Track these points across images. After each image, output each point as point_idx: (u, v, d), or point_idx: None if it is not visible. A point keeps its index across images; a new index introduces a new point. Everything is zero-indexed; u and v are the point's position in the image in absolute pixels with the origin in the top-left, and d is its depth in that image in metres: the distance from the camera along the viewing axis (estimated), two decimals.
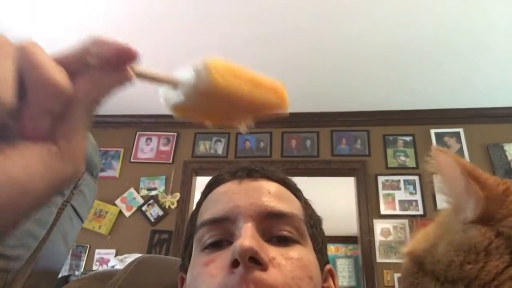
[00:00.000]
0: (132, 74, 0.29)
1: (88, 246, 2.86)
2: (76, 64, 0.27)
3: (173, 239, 2.83)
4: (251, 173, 0.56)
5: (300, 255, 0.48)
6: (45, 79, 0.23)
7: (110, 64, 0.27)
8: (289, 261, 0.47)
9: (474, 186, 0.31)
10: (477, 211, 0.31)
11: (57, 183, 0.25)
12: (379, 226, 2.71)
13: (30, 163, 0.23)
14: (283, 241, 0.49)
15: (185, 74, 0.32)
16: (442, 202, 0.35)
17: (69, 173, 0.25)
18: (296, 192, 0.58)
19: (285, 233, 0.49)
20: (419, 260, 0.33)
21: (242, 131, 0.41)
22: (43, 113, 0.24)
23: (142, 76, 0.30)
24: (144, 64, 0.30)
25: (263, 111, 0.37)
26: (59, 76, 0.24)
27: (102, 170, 3.03)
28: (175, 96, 0.32)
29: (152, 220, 2.92)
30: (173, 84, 0.32)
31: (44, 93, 0.24)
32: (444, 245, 0.31)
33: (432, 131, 2.95)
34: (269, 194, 0.52)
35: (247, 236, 0.45)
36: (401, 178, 2.84)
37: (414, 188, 2.79)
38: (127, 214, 2.96)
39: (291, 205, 0.53)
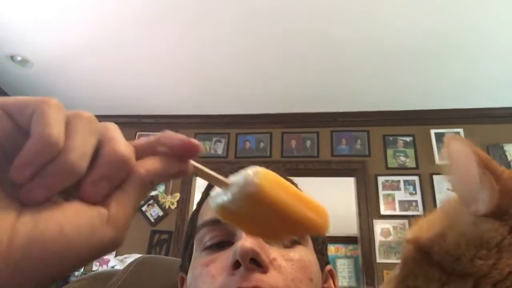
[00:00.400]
0: (191, 167, 0.31)
1: None
2: (147, 148, 0.31)
3: (173, 239, 2.83)
4: None
5: (301, 256, 0.48)
6: (114, 149, 0.27)
7: (174, 154, 0.31)
8: (290, 262, 0.47)
9: (489, 177, 0.29)
10: (490, 204, 0.29)
11: (99, 247, 0.26)
12: (379, 226, 2.71)
13: (81, 222, 0.25)
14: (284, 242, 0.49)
15: (236, 178, 0.33)
16: (447, 192, 0.35)
17: (112, 238, 0.26)
18: None
19: None
20: (424, 249, 0.32)
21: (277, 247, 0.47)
22: (104, 179, 0.26)
23: (197, 170, 0.33)
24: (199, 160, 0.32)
25: (302, 228, 0.38)
26: (126, 149, 0.27)
27: None
28: (224, 197, 0.34)
29: (152, 220, 2.92)
30: (223, 184, 0.34)
31: (110, 161, 0.27)
32: (454, 236, 0.31)
33: (432, 131, 2.95)
34: None
35: (248, 237, 0.45)
36: (401, 178, 2.84)
37: (414, 189, 2.79)
38: None
39: None
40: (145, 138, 0.32)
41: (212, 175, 0.33)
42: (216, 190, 0.35)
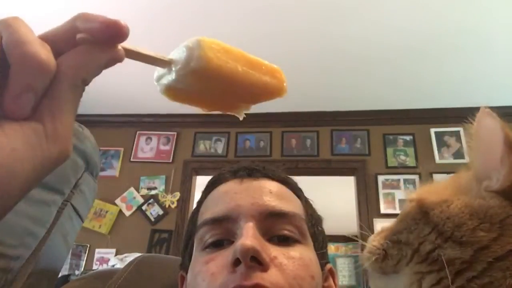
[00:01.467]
0: (122, 52, 0.27)
1: (88, 245, 2.86)
2: (64, 41, 0.26)
3: (173, 238, 2.83)
4: (252, 173, 0.56)
5: (302, 254, 0.48)
6: (28, 55, 0.23)
7: (98, 40, 0.26)
8: (291, 260, 0.47)
9: (511, 157, 0.30)
10: (504, 183, 0.30)
11: (45, 164, 0.24)
12: (379, 225, 2.71)
13: (16, 145, 0.22)
14: (285, 241, 0.49)
15: (177, 53, 0.30)
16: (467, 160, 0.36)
17: (56, 153, 0.24)
18: (297, 191, 0.58)
19: (286, 232, 0.49)
20: (425, 209, 0.33)
21: (240, 117, 0.40)
22: (26, 90, 0.23)
23: (132, 54, 0.29)
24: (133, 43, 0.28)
25: (260, 94, 0.35)
26: (43, 52, 0.23)
27: (102, 169, 3.03)
28: (168, 77, 0.30)
29: (152, 219, 2.92)
30: (165, 63, 0.30)
31: (27, 69, 0.23)
32: (459, 205, 0.31)
33: (432, 130, 2.95)
34: (270, 193, 0.52)
35: (248, 236, 0.45)
36: (401, 177, 2.84)
37: (414, 187, 2.79)
38: (127, 213, 2.96)
39: (292, 205, 0.53)
40: (58, 26, 0.27)
41: (150, 55, 0.30)
42: (159, 70, 0.31)
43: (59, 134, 0.24)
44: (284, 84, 0.36)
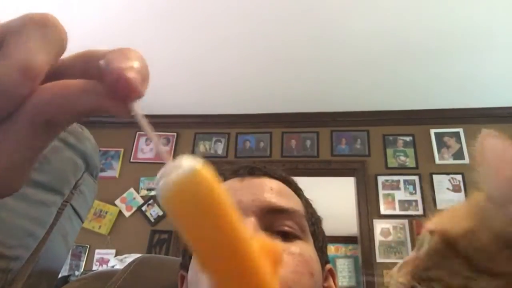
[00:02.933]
0: (129, 112, 0.21)
1: (88, 246, 2.86)
2: (79, 66, 0.22)
3: (173, 239, 2.83)
4: (253, 171, 0.56)
5: (302, 250, 0.48)
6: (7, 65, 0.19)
7: (109, 88, 0.21)
8: (291, 256, 0.47)
9: None
10: None
11: None
12: (379, 226, 2.71)
13: None
14: (285, 236, 0.49)
15: (172, 165, 0.22)
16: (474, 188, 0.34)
17: None
18: (297, 190, 0.58)
19: (286, 228, 0.49)
20: (452, 242, 0.32)
21: None
22: None
23: (137, 120, 0.22)
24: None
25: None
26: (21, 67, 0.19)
27: (102, 170, 3.03)
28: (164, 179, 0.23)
29: (152, 220, 2.92)
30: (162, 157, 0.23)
31: None
32: (488, 234, 0.30)
33: (432, 131, 2.95)
34: (271, 190, 0.52)
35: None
36: (401, 178, 2.84)
37: (414, 188, 2.79)
38: (127, 214, 2.96)
39: (292, 201, 0.53)
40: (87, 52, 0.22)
41: (150, 135, 0.22)
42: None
43: (2, 168, 0.20)
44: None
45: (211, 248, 0.21)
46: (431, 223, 0.36)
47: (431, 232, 0.34)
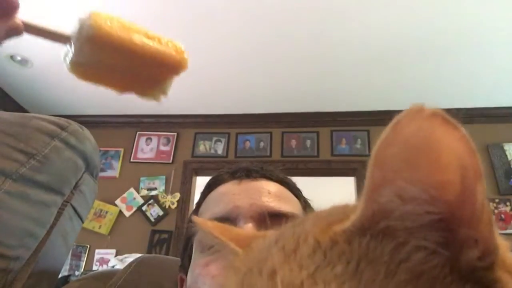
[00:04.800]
0: (20, 24, 0.27)
1: (88, 246, 2.86)
2: None
3: (173, 239, 2.83)
4: (251, 173, 0.56)
5: None
6: None
7: None
8: None
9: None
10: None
11: None
12: None
13: None
14: None
15: (73, 28, 0.30)
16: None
17: None
18: (295, 191, 0.58)
19: None
20: None
21: (157, 100, 0.39)
22: None
23: (32, 29, 0.28)
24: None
25: (162, 65, 0.33)
26: None
27: (102, 170, 3.03)
28: (70, 54, 0.30)
29: (152, 220, 2.92)
30: (62, 38, 0.30)
31: None
32: None
33: None
34: (269, 194, 0.52)
35: None
36: None
37: None
38: (127, 214, 2.96)
39: (291, 205, 0.53)
40: None
41: (47, 30, 0.30)
42: (65, 50, 0.31)
43: None
44: (184, 56, 0.34)
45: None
46: None
47: None
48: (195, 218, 0.34)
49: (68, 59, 0.30)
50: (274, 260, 0.20)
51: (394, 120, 0.19)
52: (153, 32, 0.32)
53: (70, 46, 0.30)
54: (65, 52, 0.31)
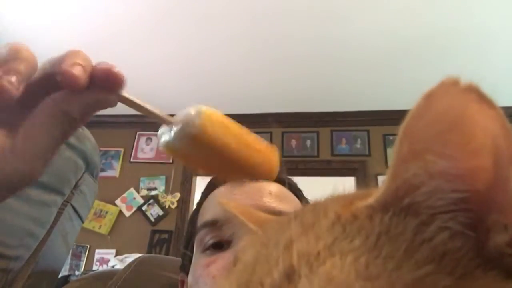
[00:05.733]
0: (113, 98, 0.30)
1: (88, 246, 2.86)
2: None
3: (173, 239, 2.83)
4: None
5: None
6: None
7: (96, 83, 0.28)
8: None
9: None
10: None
11: (8, 180, 0.24)
12: None
13: None
14: None
15: (179, 116, 0.32)
16: None
17: (21, 171, 0.25)
18: (296, 191, 0.58)
19: None
20: None
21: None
22: (12, 71, 0.24)
23: (131, 104, 0.31)
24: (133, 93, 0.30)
25: (249, 171, 0.35)
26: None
27: (102, 170, 3.03)
28: (167, 135, 0.32)
29: (152, 220, 2.92)
30: (165, 121, 0.32)
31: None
32: None
33: None
34: (270, 194, 0.52)
35: None
36: None
37: None
38: (127, 214, 2.96)
39: (292, 206, 0.53)
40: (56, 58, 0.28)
41: (150, 110, 0.32)
42: (163, 128, 0.34)
43: (28, 153, 0.25)
44: (275, 168, 0.37)
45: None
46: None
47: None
48: (220, 200, 0.37)
49: (162, 139, 0.33)
50: (291, 232, 0.20)
51: (427, 92, 0.18)
52: (250, 136, 0.35)
53: (169, 129, 0.32)
54: (163, 130, 0.33)
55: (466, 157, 0.17)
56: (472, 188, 0.17)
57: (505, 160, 0.16)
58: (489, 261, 0.17)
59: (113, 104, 0.30)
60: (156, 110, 0.32)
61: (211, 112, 0.32)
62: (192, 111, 0.32)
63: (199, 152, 0.32)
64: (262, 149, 0.36)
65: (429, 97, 0.18)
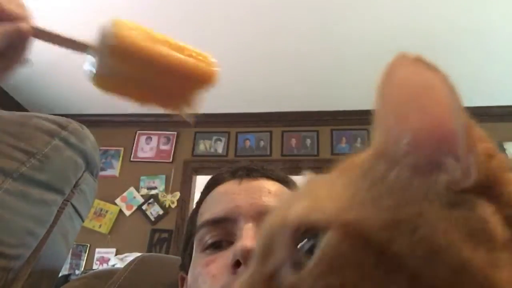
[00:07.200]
0: (24, 27, 0.28)
1: (88, 245, 2.86)
2: None
3: (173, 238, 2.83)
4: (251, 173, 0.56)
5: None
6: None
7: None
8: None
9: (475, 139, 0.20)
10: (479, 172, 0.19)
11: None
12: None
13: None
14: None
15: (96, 37, 0.29)
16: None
17: None
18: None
19: None
20: (376, 245, 0.18)
21: (187, 118, 0.38)
22: None
23: (45, 35, 0.28)
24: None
25: (188, 80, 0.31)
26: None
27: (102, 169, 3.03)
28: (92, 64, 0.29)
29: (152, 219, 2.92)
30: (82, 46, 0.29)
31: None
32: (431, 220, 0.19)
33: None
34: (269, 193, 0.52)
35: (248, 237, 0.45)
36: None
37: None
38: (127, 213, 2.96)
39: None
40: None
41: (66, 38, 0.29)
42: (88, 60, 0.30)
43: None
44: (213, 68, 0.33)
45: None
46: (294, 211, 0.22)
47: (293, 226, 0.21)
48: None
49: (90, 73, 0.30)
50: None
51: (388, 67, 0.23)
52: (180, 42, 0.31)
53: (92, 56, 0.29)
54: (87, 63, 0.30)
55: (424, 112, 0.21)
56: (430, 137, 0.21)
57: (456, 112, 0.20)
58: (438, 196, 0.20)
59: (28, 34, 0.30)
60: (70, 37, 0.29)
61: (124, 20, 0.29)
62: (104, 24, 0.29)
63: (128, 68, 0.29)
64: (193, 53, 0.32)
65: (390, 68, 0.23)
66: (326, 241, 0.19)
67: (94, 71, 0.29)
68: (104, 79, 0.29)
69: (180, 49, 0.31)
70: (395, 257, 0.18)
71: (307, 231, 0.21)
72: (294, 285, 0.20)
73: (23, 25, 0.30)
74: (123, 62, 0.28)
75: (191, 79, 0.32)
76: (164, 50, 0.30)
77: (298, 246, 0.21)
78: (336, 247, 0.19)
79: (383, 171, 0.22)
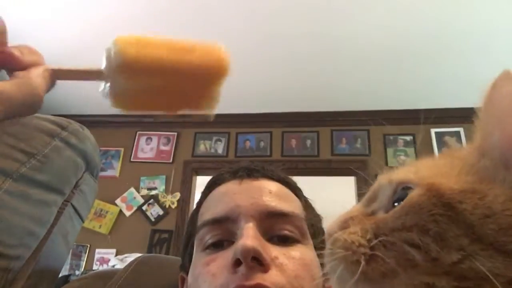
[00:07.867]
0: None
1: (88, 245, 2.86)
2: None
3: (173, 238, 2.83)
4: (252, 173, 0.56)
5: (302, 254, 0.48)
6: None
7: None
8: (291, 260, 0.47)
9: None
10: None
11: None
12: None
13: None
14: (285, 241, 0.49)
15: (103, 61, 0.30)
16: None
17: None
18: (296, 191, 0.58)
19: (286, 232, 0.49)
20: (446, 201, 0.24)
21: (211, 110, 0.38)
22: None
23: (62, 74, 0.29)
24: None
25: (201, 76, 0.32)
26: None
27: (103, 169, 3.03)
28: (106, 87, 0.30)
29: (152, 219, 2.92)
30: (97, 74, 0.30)
31: None
32: (500, 199, 0.23)
33: (433, 131, 2.95)
34: (270, 193, 0.52)
35: (249, 236, 0.45)
36: None
37: None
38: (127, 213, 2.96)
39: (292, 205, 0.53)
40: None
41: (78, 71, 0.30)
42: (102, 86, 0.31)
43: None
44: (222, 56, 0.34)
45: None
46: (398, 174, 0.29)
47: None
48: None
49: (107, 94, 0.30)
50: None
51: (492, 83, 0.30)
52: (177, 40, 0.32)
53: (106, 80, 0.29)
54: (102, 88, 0.30)
55: None
56: None
57: None
58: (509, 184, 0.24)
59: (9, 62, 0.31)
60: (85, 68, 0.30)
61: (124, 36, 0.30)
62: (107, 46, 0.30)
63: (139, 82, 0.29)
64: (197, 46, 0.31)
65: (496, 83, 0.29)
66: (412, 193, 0.26)
67: (110, 92, 0.30)
68: (122, 98, 0.30)
69: (183, 48, 0.31)
70: (460, 213, 0.24)
71: (404, 187, 0.28)
72: (383, 219, 0.27)
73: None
74: (132, 77, 0.29)
75: (203, 75, 0.33)
76: (166, 53, 0.30)
77: (394, 195, 0.28)
78: (418, 198, 0.25)
79: (475, 160, 0.27)
